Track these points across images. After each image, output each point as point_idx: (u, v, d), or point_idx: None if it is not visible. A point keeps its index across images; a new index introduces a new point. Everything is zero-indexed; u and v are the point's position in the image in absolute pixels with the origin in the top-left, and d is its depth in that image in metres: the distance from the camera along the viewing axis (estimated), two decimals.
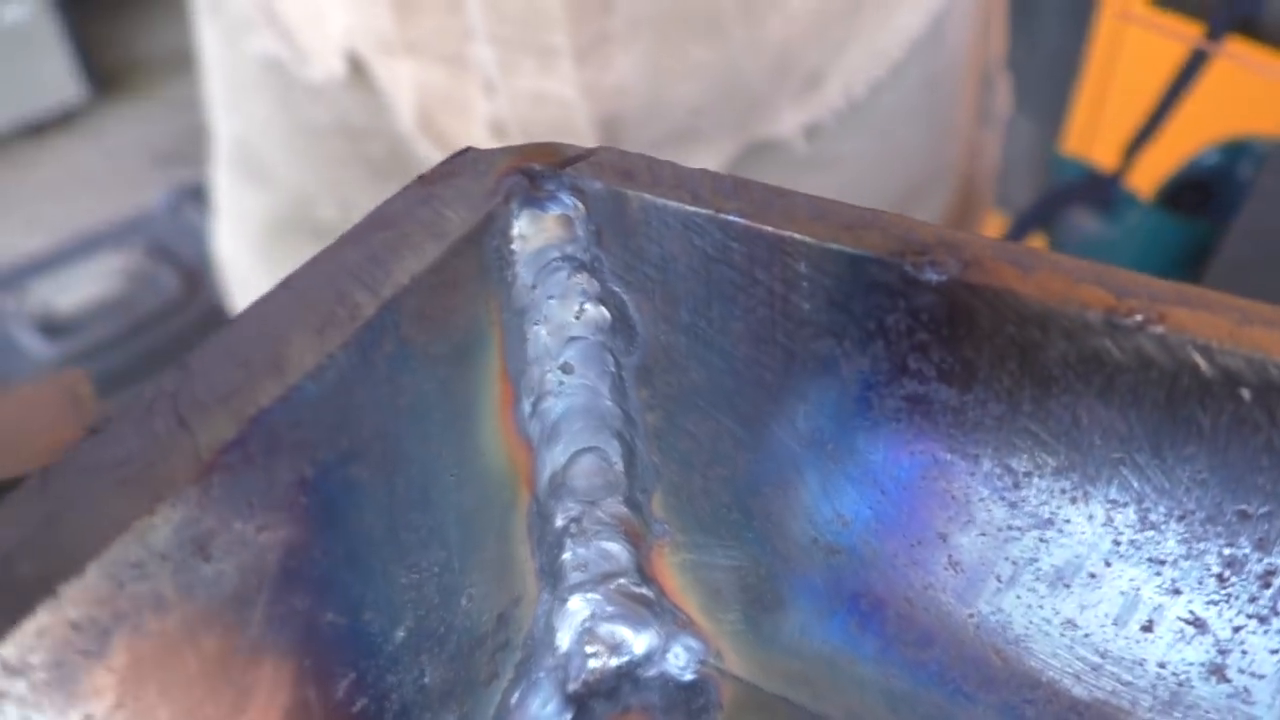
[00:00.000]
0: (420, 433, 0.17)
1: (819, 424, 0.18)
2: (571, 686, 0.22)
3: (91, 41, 1.93)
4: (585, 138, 0.61)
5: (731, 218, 0.16)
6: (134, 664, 0.13)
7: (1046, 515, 0.16)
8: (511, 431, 0.19)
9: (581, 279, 0.18)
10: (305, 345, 0.15)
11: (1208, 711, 0.17)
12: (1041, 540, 0.17)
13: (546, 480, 0.20)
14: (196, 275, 1.59)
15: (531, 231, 0.18)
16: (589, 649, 0.23)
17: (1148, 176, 0.98)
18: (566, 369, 0.19)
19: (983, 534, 0.17)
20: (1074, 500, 0.16)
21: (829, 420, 0.17)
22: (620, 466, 0.21)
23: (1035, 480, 0.16)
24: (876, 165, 0.70)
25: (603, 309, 0.19)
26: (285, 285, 0.16)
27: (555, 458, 0.20)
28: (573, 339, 0.19)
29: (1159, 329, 0.14)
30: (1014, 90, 0.79)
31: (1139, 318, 0.14)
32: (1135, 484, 0.15)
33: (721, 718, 0.22)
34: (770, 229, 0.16)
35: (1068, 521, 0.16)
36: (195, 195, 1.67)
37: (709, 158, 0.68)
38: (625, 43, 0.58)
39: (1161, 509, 0.15)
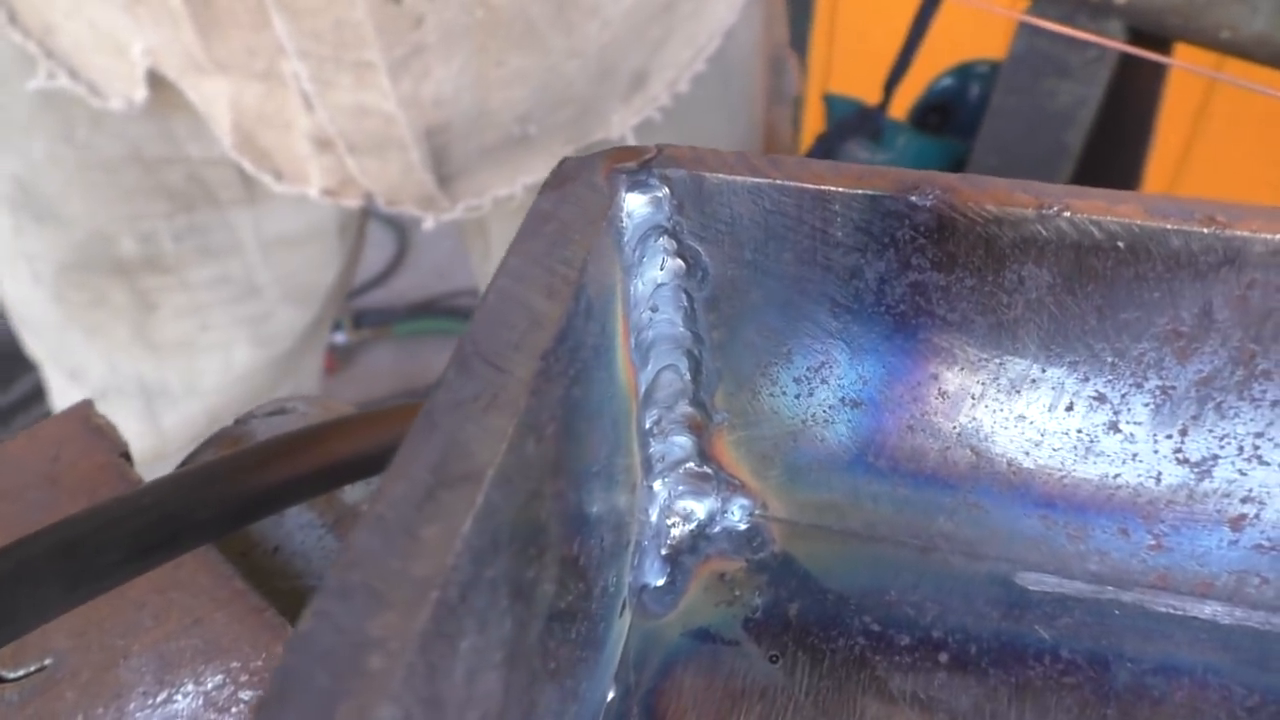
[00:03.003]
0: (597, 362, 0.24)
1: (847, 315, 0.26)
2: (664, 550, 0.30)
3: None
4: (410, 148, 0.64)
5: (785, 181, 0.24)
6: (511, 528, 0.19)
7: (1004, 346, 0.25)
8: (628, 359, 0.26)
9: (664, 241, 0.26)
10: (546, 305, 0.21)
11: (1108, 455, 0.26)
12: (1000, 364, 0.26)
13: (642, 394, 0.27)
14: None
15: (635, 210, 0.25)
16: (668, 521, 0.30)
17: (899, 105, 1.12)
18: (653, 308, 0.27)
19: (962, 368, 0.26)
20: (1022, 332, 0.25)
21: (855, 311, 0.26)
22: (688, 377, 0.28)
23: (996, 324, 0.25)
24: None
25: (679, 261, 0.26)
26: (505, 270, 0.22)
27: (647, 376, 0.27)
28: (658, 286, 0.26)
29: (1068, 214, 0.23)
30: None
31: (1055, 208, 0.23)
32: (1059, 314, 0.24)
33: (776, 549, 0.30)
34: (812, 185, 0.24)
35: (1018, 347, 0.25)
36: None
37: (544, 164, 0.70)
38: (441, 54, 0.59)
39: (1075, 327, 0.24)
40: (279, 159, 0.67)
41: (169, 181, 0.72)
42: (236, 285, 0.79)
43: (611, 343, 0.25)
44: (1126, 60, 0.86)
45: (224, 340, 0.81)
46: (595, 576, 0.25)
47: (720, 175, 0.24)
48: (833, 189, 0.24)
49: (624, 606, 0.27)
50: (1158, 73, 0.93)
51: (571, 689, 0.24)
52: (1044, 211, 0.23)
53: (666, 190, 0.25)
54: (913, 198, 0.23)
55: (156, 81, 0.64)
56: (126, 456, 0.38)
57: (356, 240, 0.84)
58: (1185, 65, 0.81)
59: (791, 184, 0.24)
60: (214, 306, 0.80)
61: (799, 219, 0.24)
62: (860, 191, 0.24)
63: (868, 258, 0.25)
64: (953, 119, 1.14)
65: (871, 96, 1.07)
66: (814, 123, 1.42)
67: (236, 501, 0.29)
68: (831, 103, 1.04)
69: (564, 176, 0.24)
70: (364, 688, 0.15)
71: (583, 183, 0.24)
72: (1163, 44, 0.84)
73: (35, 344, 0.85)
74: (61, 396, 0.87)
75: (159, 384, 0.82)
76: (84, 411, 0.39)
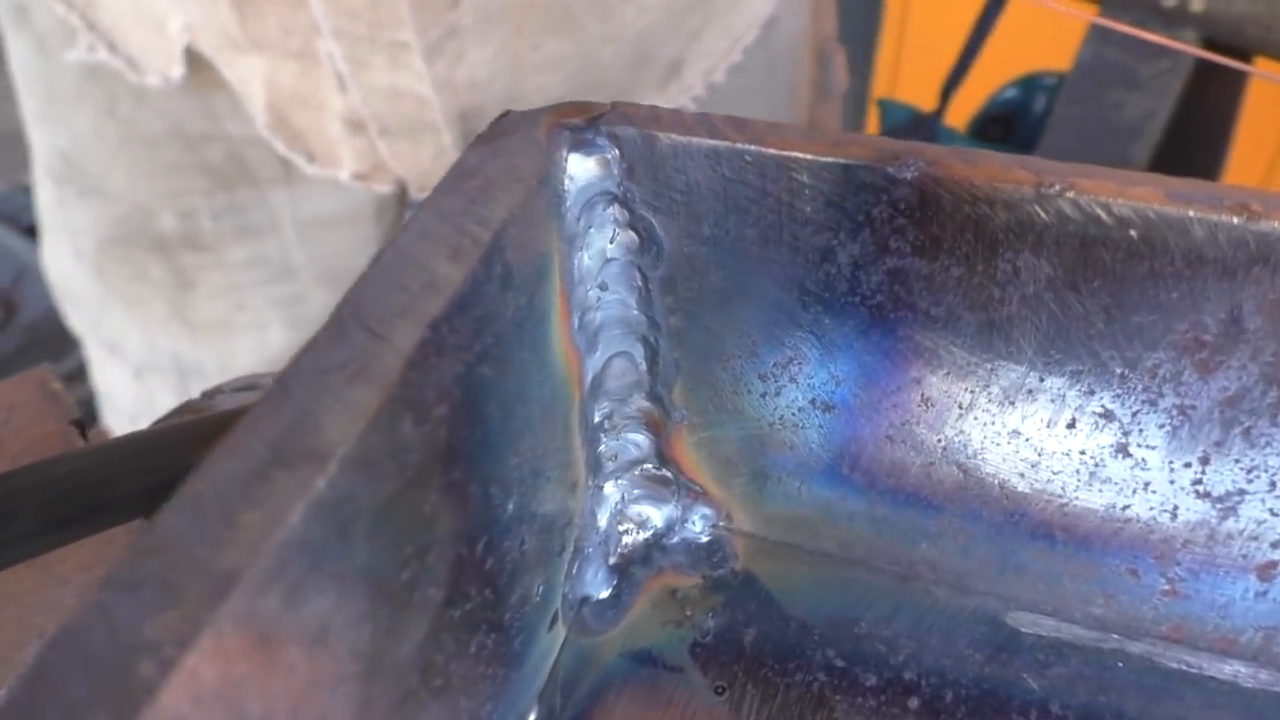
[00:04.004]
0: (519, 340, 0.21)
1: (818, 305, 0.23)
2: (612, 559, 0.27)
3: None
4: (442, 132, 0.63)
5: (746, 146, 0.21)
6: (374, 518, 0.17)
7: (996, 348, 0.22)
8: (568, 340, 0.23)
9: (614, 210, 0.23)
10: (447, 269, 0.18)
11: (1116, 482, 0.23)
12: (992, 370, 0.22)
13: (589, 383, 0.25)
14: (10, 297, 1.51)
15: (578, 173, 0.22)
16: (621, 527, 0.27)
17: (959, 115, 1.08)
18: (603, 286, 0.24)
19: (948, 372, 0.23)
20: (1017, 333, 0.21)
21: (826, 300, 0.22)
22: (644, 367, 0.25)
23: (987, 322, 0.22)
24: None
25: (632, 233, 0.23)
26: (411, 228, 0.19)
27: (595, 363, 0.25)
28: (608, 260, 0.23)
29: (1072, 194, 0.19)
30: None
31: (1057, 187, 0.19)
32: (1060, 314, 0.21)
33: (737, 566, 0.27)
34: (777, 151, 0.21)
35: (1012, 350, 0.22)
36: None
37: None
38: (476, 37, 0.58)
39: (1079, 330, 0.21)
40: (312, 141, 0.67)
41: (209, 159, 0.72)
42: (272, 266, 0.78)
43: (542, 320, 0.22)
44: (1200, 72, 0.81)
45: (259, 321, 0.81)
46: (510, 583, 0.22)
47: (674, 136, 0.21)
48: (800, 155, 0.21)
49: (555, 619, 0.25)
50: (1235, 87, 0.88)
51: (469, 710, 0.21)
52: (1043, 190, 0.20)
53: (616, 152, 0.22)
54: (890, 169, 0.20)
55: (195, 59, 0.64)
56: (79, 424, 0.36)
57: (394, 226, 0.84)
58: (1270, 76, 0.75)
59: (753, 149, 0.21)
60: (250, 287, 0.79)
61: (762, 190, 0.21)
62: (831, 160, 0.20)
63: (840, 238, 0.21)
64: (1014, 132, 1.09)
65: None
66: (874, 129, 1.38)
67: (167, 476, 0.27)
68: (885, 108, 1.00)
69: (501, 130, 0.22)
70: (126, 700, 0.12)
71: (520, 137, 0.21)
72: (1241, 56, 0.79)
73: (77, 317, 0.85)
74: (101, 370, 0.87)
75: (194, 363, 0.82)
76: (41, 376, 0.38)
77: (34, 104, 0.72)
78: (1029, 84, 1.10)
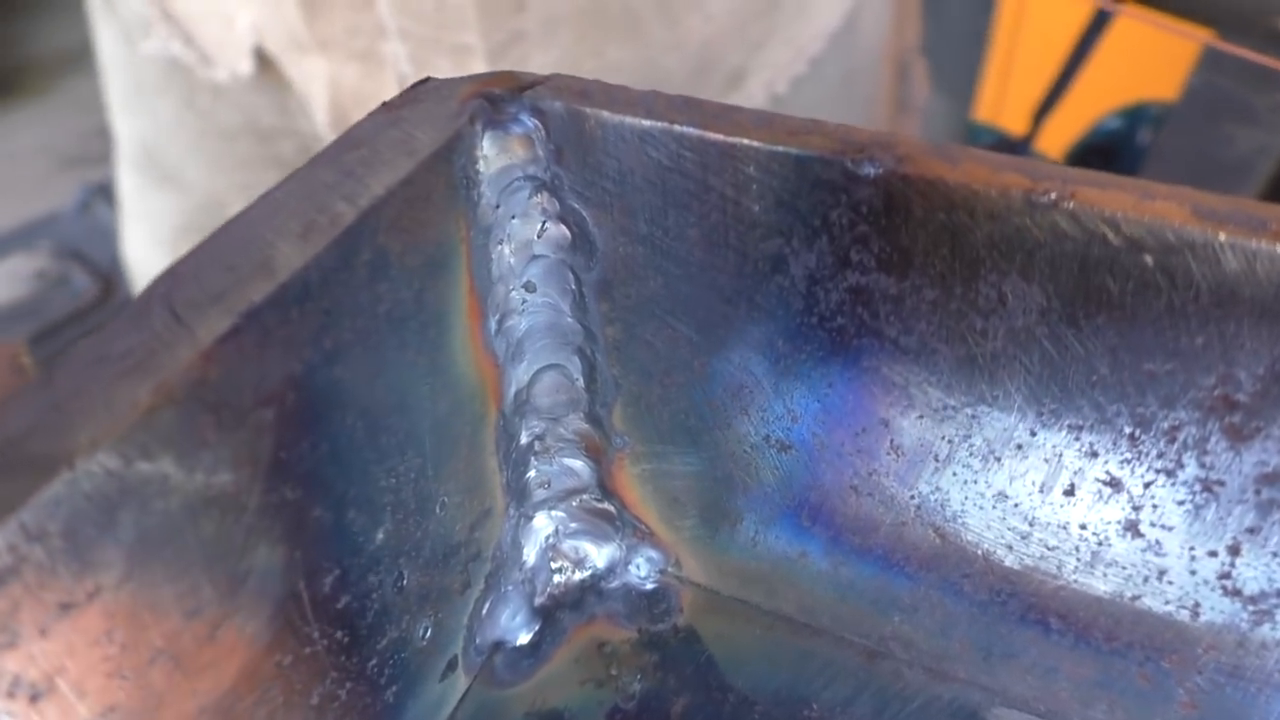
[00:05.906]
0: (398, 340, 0.18)
1: (770, 324, 0.19)
2: (538, 600, 0.23)
3: None
4: None
5: (684, 129, 0.17)
6: (140, 540, 0.14)
7: (978, 391, 0.18)
8: (479, 346, 0.20)
9: (542, 198, 0.20)
10: (290, 249, 0.15)
11: (1125, 567, 0.19)
12: (974, 417, 0.18)
13: (512, 398, 0.21)
14: (111, 275, 1.55)
15: (494, 152, 0.19)
16: (554, 564, 0.24)
17: (1056, 143, 1.01)
18: (529, 287, 0.20)
19: (921, 416, 0.19)
20: (1004, 373, 0.18)
21: (780, 320, 0.19)
22: (581, 383, 0.22)
23: (968, 358, 0.18)
24: None
25: (563, 227, 0.20)
26: (263, 200, 0.16)
27: (520, 375, 0.21)
28: (535, 257, 0.20)
29: (1071, 204, 0.15)
30: (929, 70, 0.82)
31: (1053, 195, 0.16)
32: (1055, 354, 0.17)
33: (680, 621, 0.23)
34: (721, 137, 0.17)
35: (998, 394, 0.18)
36: (105, 194, 1.63)
37: None
38: (541, 42, 0.57)
39: (1078, 375, 0.17)
40: None
41: (281, 153, 0.72)
42: None
43: (438, 319, 0.19)
44: None
45: None
46: (378, 625, 0.19)
47: (603, 114, 0.18)
48: (745, 143, 0.17)
49: (453, 666, 0.21)
50: None
51: None
52: (1035, 199, 0.16)
53: (541, 128, 0.19)
54: (850, 164, 0.16)
55: (264, 56, 0.64)
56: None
57: None
58: None
59: (692, 132, 0.17)
60: None
61: (704, 182, 0.18)
62: (781, 150, 0.17)
63: (793, 245, 0.18)
64: (1115, 164, 1.03)
65: (1043, 136, 0.97)
66: None
67: None
68: (974, 131, 0.94)
69: (411, 97, 0.19)
70: None
71: (428, 107, 0.18)
72: None
73: None
74: None
75: None
76: (13, 351, 0.36)
77: (119, 93, 0.74)
78: (1134, 114, 1.03)
